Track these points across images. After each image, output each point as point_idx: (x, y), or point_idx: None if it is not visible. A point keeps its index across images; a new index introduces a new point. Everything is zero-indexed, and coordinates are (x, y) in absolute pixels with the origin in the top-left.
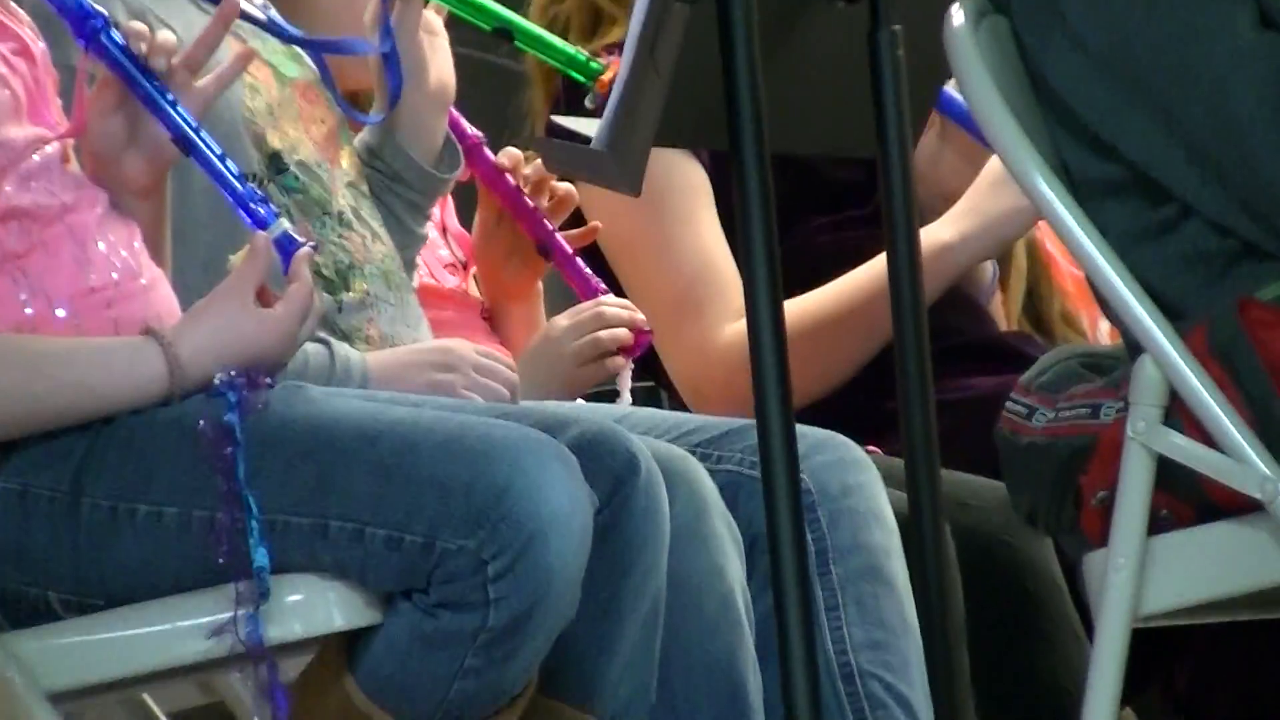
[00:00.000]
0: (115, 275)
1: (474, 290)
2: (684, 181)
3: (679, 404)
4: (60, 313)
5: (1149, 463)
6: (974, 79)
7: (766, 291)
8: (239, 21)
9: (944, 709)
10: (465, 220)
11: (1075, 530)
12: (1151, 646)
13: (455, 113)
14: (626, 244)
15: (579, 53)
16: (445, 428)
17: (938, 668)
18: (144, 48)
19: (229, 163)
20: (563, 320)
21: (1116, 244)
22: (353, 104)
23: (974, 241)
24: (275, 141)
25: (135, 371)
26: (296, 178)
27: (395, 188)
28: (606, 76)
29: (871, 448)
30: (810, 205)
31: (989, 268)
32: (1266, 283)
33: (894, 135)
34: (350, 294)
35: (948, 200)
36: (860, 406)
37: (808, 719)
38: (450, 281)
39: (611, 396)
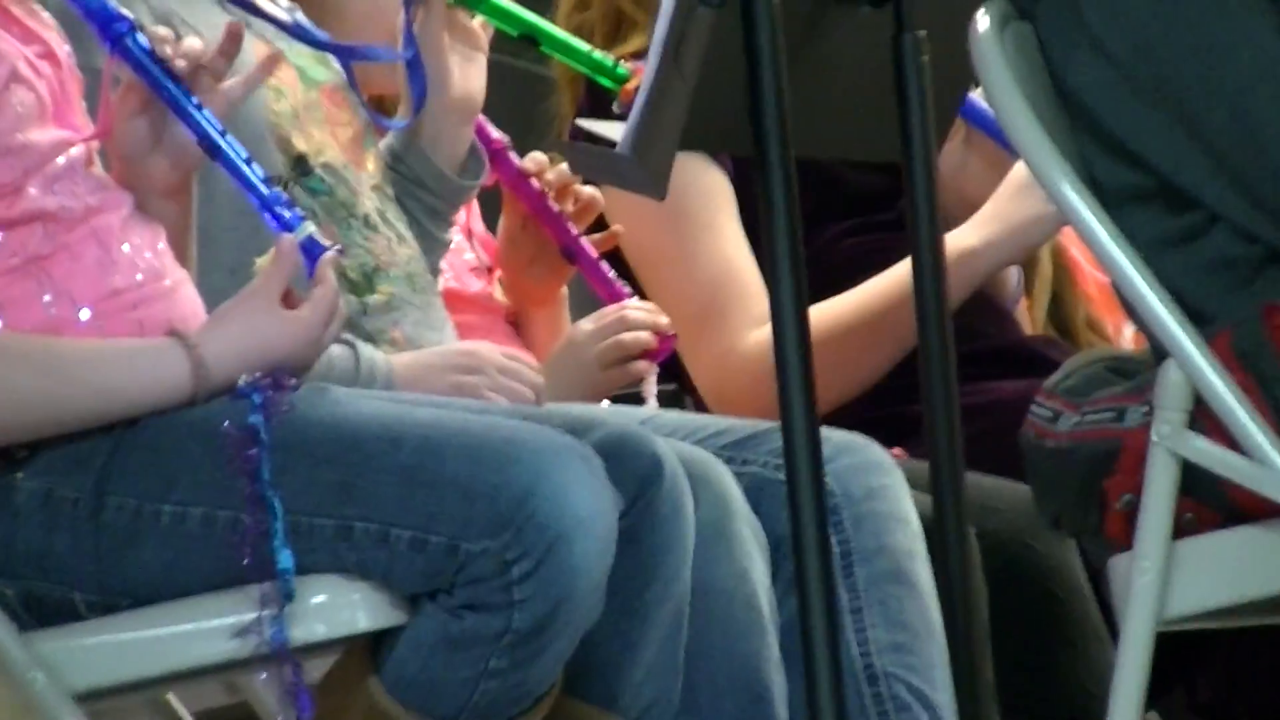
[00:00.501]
0: (140, 277)
1: (498, 294)
2: (707, 188)
3: (702, 407)
4: (84, 315)
5: (1173, 467)
6: (1000, 84)
7: (791, 295)
8: (265, 25)
9: (968, 711)
10: (491, 224)
11: (1100, 534)
12: (1175, 651)
13: (481, 117)
14: (649, 250)
15: (606, 58)
16: (470, 430)
17: (961, 670)
18: (169, 51)
19: (254, 166)
20: (587, 324)
21: (1143, 250)
22: (378, 109)
23: (998, 247)
24: (301, 144)
25: (160, 374)
26: (322, 180)
27: (418, 193)
28: (632, 83)
29: (896, 451)
30: (833, 211)
31: (1014, 274)
32: None
33: (918, 140)
34: (375, 296)
35: (972, 208)
36: (885, 411)
37: None
38: (475, 285)
39: (636, 400)
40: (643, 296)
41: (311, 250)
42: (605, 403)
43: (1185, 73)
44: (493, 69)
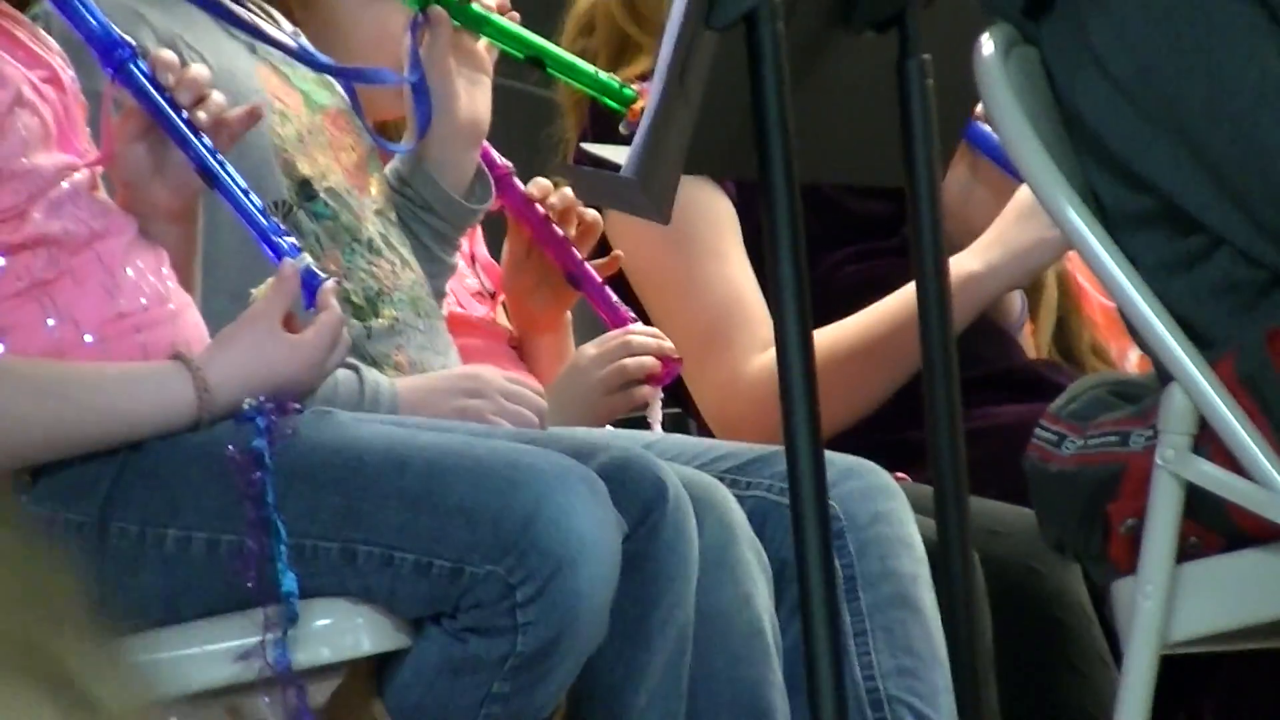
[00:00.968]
0: (144, 301)
1: (502, 319)
2: (710, 213)
3: (706, 431)
4: (88, 339)
5: (1178, 491)
6: (1004, 108)
7: (795, 319)
8: (270, 50)
9: None
10: (494, 249)
11: (1103, 558)
12: (1179, 675)
13: (485, 144)
14: (653, 276)
15: (612, 79)
16: (474, 453)
17: (966, 695)
18: (170, 79)
19: (252, 196)
20: (590, 349)
21: (1148, 274)
22: (382, 133)
23: (1001, 272)
24: (305, 169)
25: (163, 397)
26: (326, 205)
27: (424, 216)
28: (639, 105)
29: (900, 475)
30: (836, 237)
31: (1018, 298)
32: None
33: (922, 164)
34: (379, 320)
35: (976, 233)
36: (888, 435)
37: None
38: (478, 310)
39: (642, 424)
40: (647, 321)
41: (310, 281)
42: (609, 427)
43: (1189, 95)
44: (497, 93)
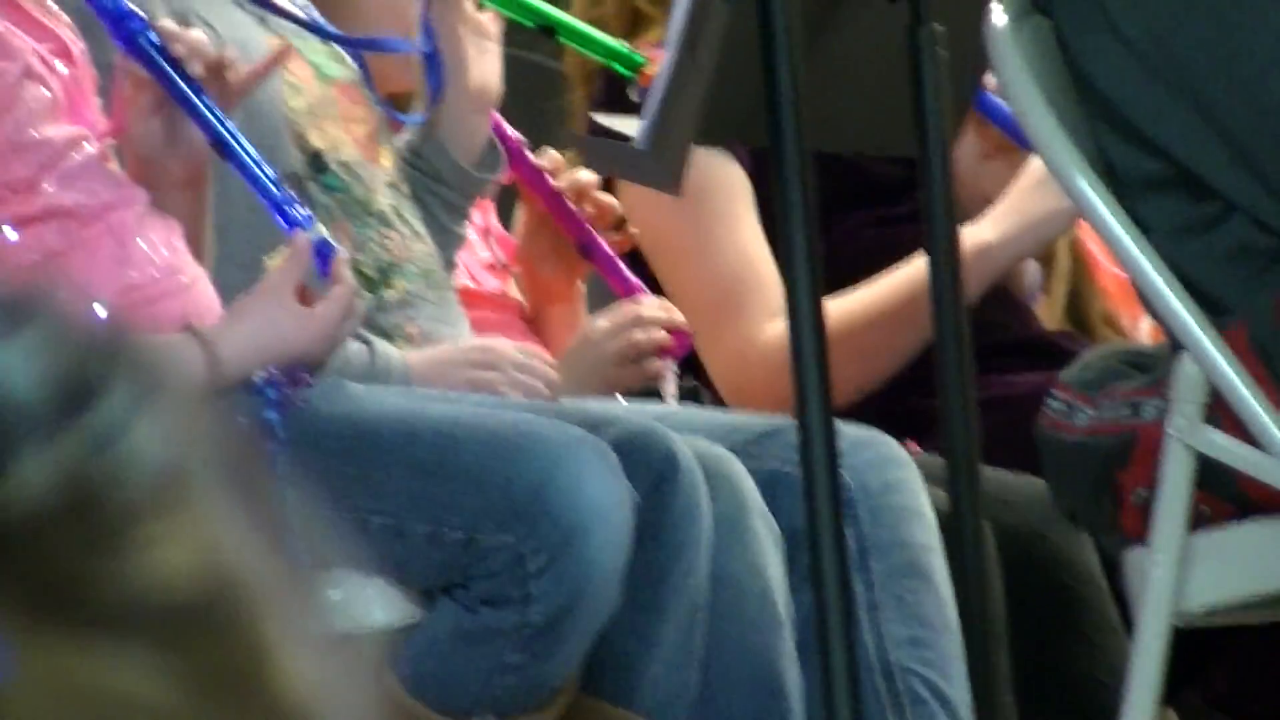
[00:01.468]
0: (155, 273)
1: (514, 292)
2: (722, 181)
3: (719, 402)
4: (100, 311)
5: (1189, 461)
6: (1015, 77)
7: (807, 288)
8: (281, 22)
9: (983, 705)
10: (506, 222)
11: (1115, 528)
12: (1190, 649)
13: (497, 115)
14: (665, 245)
15: (621, 46)
16: (485, 424)
17: (977, 664)
18: (181, 50)
19: (265, 167)
20: (602, 322)
21: (1160, 240)
22: (394, 105)
23: (1014, 242)
24: (317, 141)
25: (175, 369)
26: (338, 177)
27: (435, 187)
28: (650, 68)
29: (911, 445)
30: (853, 201)
31: (1032, 266)
32: None
33: (934, 133)
34: (391, 292)
35: (989, 204)
36: (898, 405)
37: (848, 715)
38: (490, 283)
39: (655, 397)
40: (659, 290)
41: (324, 251)
42: (620, 399)
43: (1203, 59)
44: (506, 64)
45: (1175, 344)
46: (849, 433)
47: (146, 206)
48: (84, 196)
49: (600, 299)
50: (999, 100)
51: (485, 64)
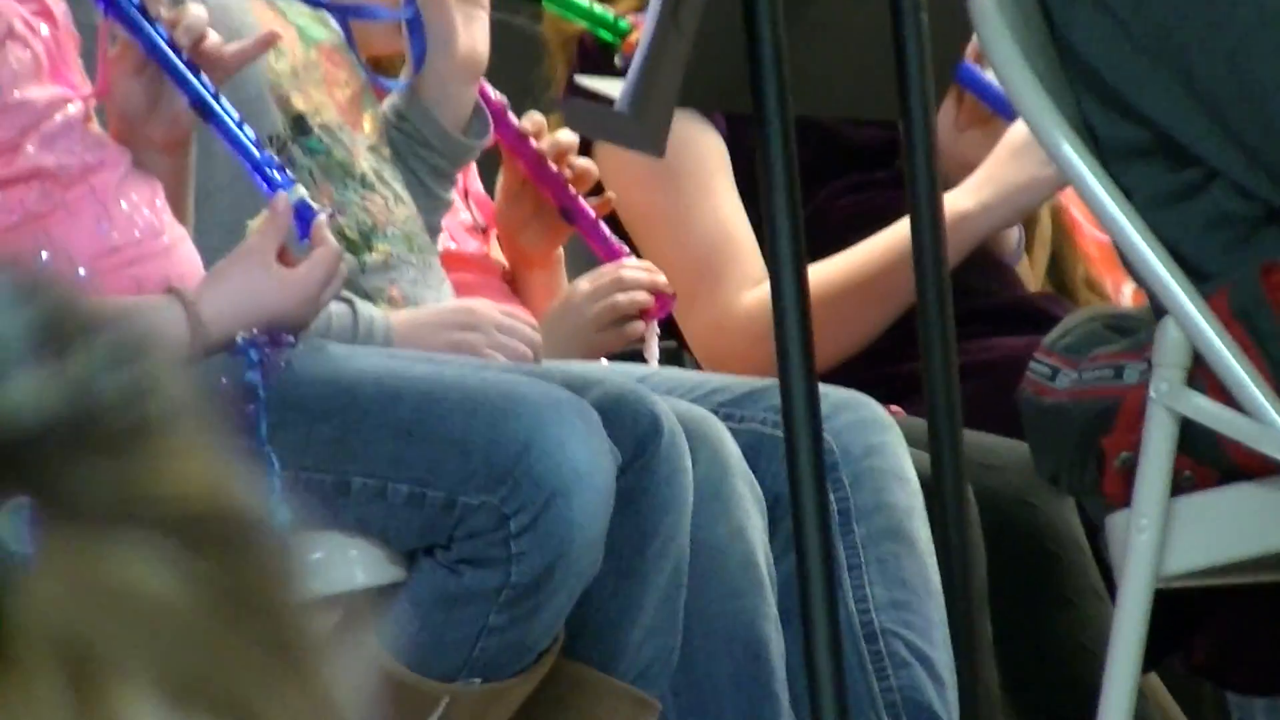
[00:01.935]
0: (137, 234)
1: (495, 254)
2: (700, 149)
3: (700, 366)
4: (82, 273)
5: (1172, 424)
6: (999, 43)
7: (790, 252)
8: None
9: (966, 669)
10: (488, 184)
11: (1098, 492)
12: (1173, 614)
13: (481, 79)
14: (643, 214)
15: (606, 12)
16: (466, 385)
17: (959, 628)
18: (163, 12)
19: (246, 129)
20: (584, 284)
21: (1142, 206)
22: (378, 69)
23: (993, 210)
24: (300, 104)
25: (156, 330)
26: (320, 140)
27: (422, 152)
28: (634, 36)
29: (894, 408)
30: (832, 168)
31: (1014, 233)
32: None
33: (917, 98)
34: (373, 256)
35: (969, 172)
36: (880, 369)
37: (830, 678)
38: (471, 245)
39: (638, 358)
40: (639, 258)
41: (303, 214)
42: (604, 361)
43: (1185, 26)
44: (491, 29)
45: (1158, 308)
46: (831, 396)
47: (129, 168)
48: (65, 158)
49: (581, 263)
50: (977, 69)
51: (474, 31)
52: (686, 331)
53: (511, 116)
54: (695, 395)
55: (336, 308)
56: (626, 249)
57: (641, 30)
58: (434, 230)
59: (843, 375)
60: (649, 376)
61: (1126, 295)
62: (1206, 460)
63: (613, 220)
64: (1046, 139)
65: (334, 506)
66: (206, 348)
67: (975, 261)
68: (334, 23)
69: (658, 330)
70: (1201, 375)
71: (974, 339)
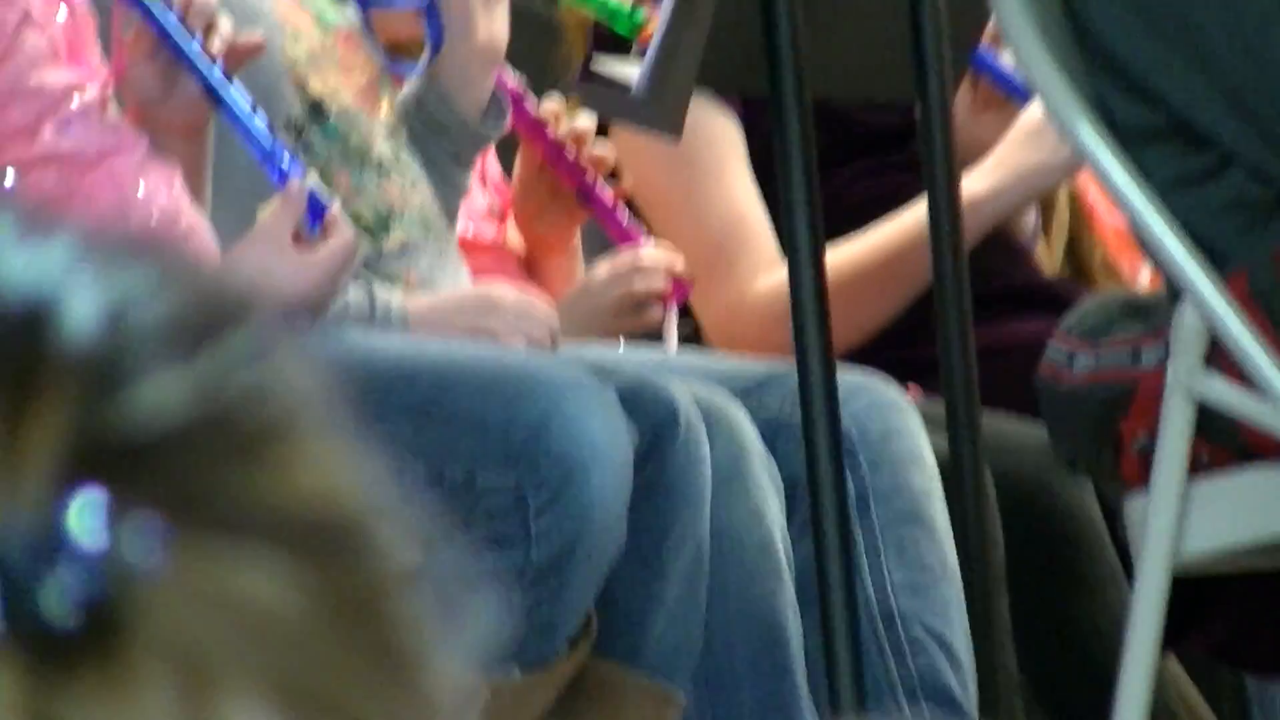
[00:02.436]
0: (155, 219)
1: (511, 238)
2: (714, 134)
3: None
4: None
5: (1189, 408)
6: (1017, 25)
7: (807, 235)
8: None
9: (983, 652)
10: (506, 167)
11: (1115, 475)
12: (1191, 596)
13: None
14: (658, 199)
15: (621, 4)
16: (483, 365)
17: (977, 611)
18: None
19: (257, 117)
20: (601, 270)
21: (1159, 189)
22: (398, 53)
23: (1006, 194)
24: (317, 88)
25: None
26: (337, 126)
27: (440, 139)
28: (648, 28)
29: (912, 390)
30: (846, 152)
31: (1032, 213)
32: None
33: (934, 81)
34: (389, 241)
35: (986, 151)
36: (896, 352)
37: (848, 662)
38: (488, 230)
39: (656, 340)
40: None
41: (315, 204)
42: (622, 341)
43: (1202, 11)
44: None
45: (1175, 292)
46: (849, 379)
47: (146, 153)
48: (83, 143)
49: (597, 248)
50: (991, 53)
51: (493, 18)
52: (701, 316)
53: (529, 101)
54: (713, 379)
55: (353, 292)
56: (643, 233)
57: (655, 22)
58: (451, 215)
59: (859, 358)
60: (666, 361)
61: (1144, 279)
62: (1223, 443)
63: (628, 204)
64: (1064, 121)
65: None
66: None
67: (992, 244)
68: (352, 7)
69: (676, 314)
70: (1219, 358)
71: (991, 322)
